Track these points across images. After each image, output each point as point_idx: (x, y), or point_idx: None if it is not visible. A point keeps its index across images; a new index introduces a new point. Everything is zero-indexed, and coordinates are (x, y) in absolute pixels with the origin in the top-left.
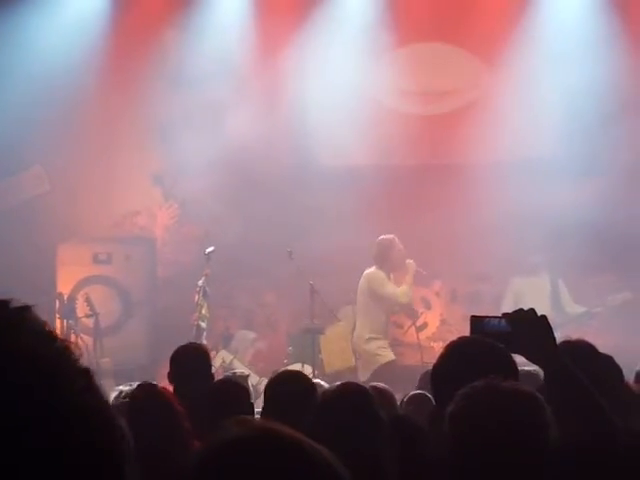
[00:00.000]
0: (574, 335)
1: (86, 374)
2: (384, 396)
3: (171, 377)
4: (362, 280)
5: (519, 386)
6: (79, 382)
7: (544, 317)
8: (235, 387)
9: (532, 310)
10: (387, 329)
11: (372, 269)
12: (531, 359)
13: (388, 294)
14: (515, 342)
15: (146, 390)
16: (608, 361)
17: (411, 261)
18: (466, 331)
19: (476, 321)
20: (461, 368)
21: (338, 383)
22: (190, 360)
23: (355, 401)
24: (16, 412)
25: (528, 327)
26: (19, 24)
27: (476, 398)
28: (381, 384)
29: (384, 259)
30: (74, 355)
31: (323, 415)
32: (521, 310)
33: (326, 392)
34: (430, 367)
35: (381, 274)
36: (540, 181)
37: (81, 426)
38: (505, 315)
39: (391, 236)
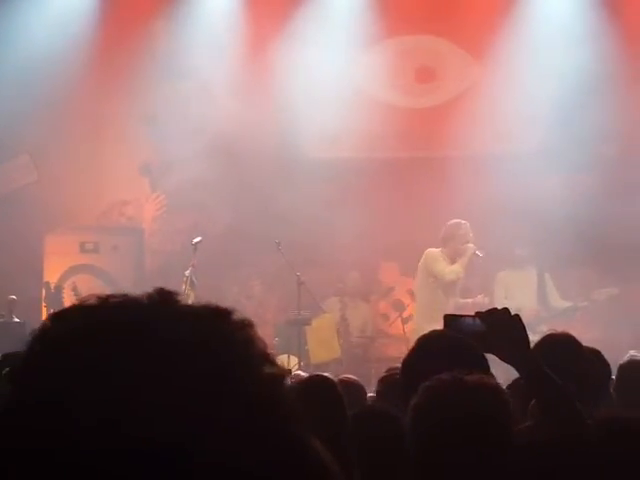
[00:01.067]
0: (559, 329)
1: (296, 406)
2: (353, 389)
3: None
4: (422, 259)
5: (484, 379)
6: (294, 416)
7: (517, 317)
8: None
9: (506, 310)
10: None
11: (432, 248)
12: (504, 359)
13: (437, 270)
14: (489, 341)
15: None
16: (595, 356)
17: (471, 245)
18: None
19: (451, 320)
20: (430, 362)
21: (305, 376)
22: None
23: (322, 395)
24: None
25: (502, 327)
26: (6, 14)
27: (440, 391)
28: (351, 376)
29: (447, 240)
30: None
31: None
32: (495, 309)
33: (292, 386)
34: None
35: (437, 252)
36: (527, 175)
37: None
38: (479, 314)
39: (460, 220)
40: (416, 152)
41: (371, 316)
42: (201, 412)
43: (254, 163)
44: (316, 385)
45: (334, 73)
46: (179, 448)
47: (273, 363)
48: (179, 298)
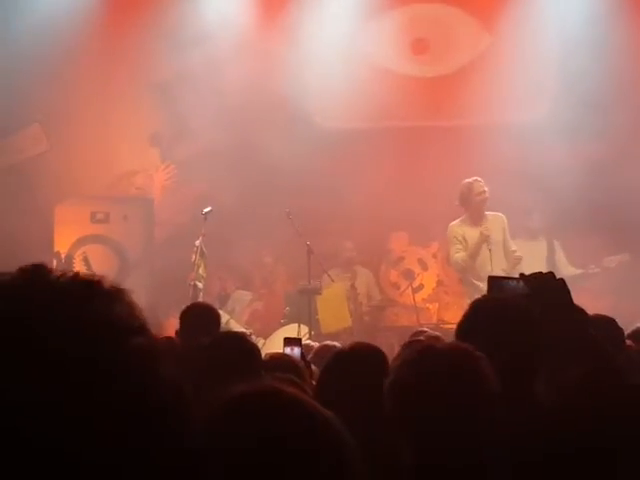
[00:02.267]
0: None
1: (168, 375)
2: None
3: (179, 333)
4: None
5: (455, 345)
6: (166, 382)
7: (562, 280)
8: (246, 343)
9: (551, 273)
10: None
11: (452, 222)
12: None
13: (449, 252)
14: (533, 304)
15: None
16: (609, 323)
17: (484, 232)
18: (462, 293)
19: (494, 281)
20: (485, 326)
21: (351, 343)
22: (200, 318)
23: (370, 361)
24: (97, 396)
25: (546, 290)
26: None
27: (413, 364)
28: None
29: (464, 203)
30: (160, 352)
31: (337, 374)
32: (540, 273)
33: (339, 352)
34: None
35: (451, 230)
36: (537, 144)
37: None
38: (523, 277)
39: (471, 179)
40: (425, 121)
41: (375, 282)
42: (68, 386)
43: (263, 133)
44: (364, 352)
45: (344, 42)
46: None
47: (143, 332)
48: (50, 272)
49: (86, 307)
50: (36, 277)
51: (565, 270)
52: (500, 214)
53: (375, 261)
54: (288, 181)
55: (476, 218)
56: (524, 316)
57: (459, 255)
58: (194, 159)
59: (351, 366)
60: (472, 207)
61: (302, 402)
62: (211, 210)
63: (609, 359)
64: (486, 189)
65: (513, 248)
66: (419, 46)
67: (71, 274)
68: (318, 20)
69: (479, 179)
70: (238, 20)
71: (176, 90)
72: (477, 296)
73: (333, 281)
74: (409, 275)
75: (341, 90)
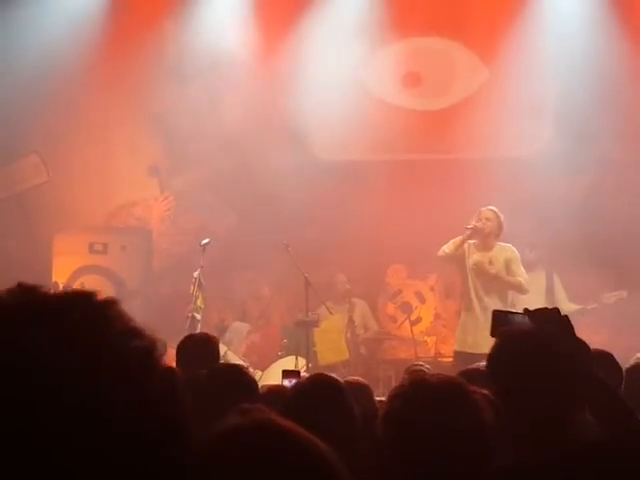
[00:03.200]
0: None
1: (171, 376)
2: (360, 390)
3: (177, 365)
4: None
5: (446, 378)
6: (164, 385)
7: (567, 317)
8: (244, 375)
9: (556, 309)
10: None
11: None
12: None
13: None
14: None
15: None
16: (606, 359)
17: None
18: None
19: (499, 315)
20: (517, 359)
21: (308, 375)
22: (198, 349)
23: (327, 395)
24: (100, 412)
25: (552, 326)
26: (17, 16)
27: (405, 396)
28: (358, 378)
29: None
30: (160, 355)
31: (294, 408)
32: (545, 309)
33: (297, 385)
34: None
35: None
36: (534, 176)
37: (161, 435)
38: (528, 312)
39: (484, 207)
40: (423, 154)
41: (372, 314)
42: (70, 392)
43: (262, 165)
44: (321, 385)
45: (343, 75)
46: (56, 428)
47: (140, 336)
48: (39, 289)
49: (85, 313)
50: (27, 295)
51: (565, 306)
52: (508, 245)
53: (372, 294)
54: (286, 212)
55: (480, 244)
56: (555, 348)
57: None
58: (192, 190)
59: (309, 400)
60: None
61: (297, 435)
62: (209, 242)
63: (614, 396)
64: (489, 218)
65: (518, 278)
66: (418, 79)
67: (60, 291)
68: (317, 54)
69: (490, 208)
70: (238, 51)
71: (175, 120)
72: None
73: (331, 313)
74: (407, 308)
75: (340, 122)
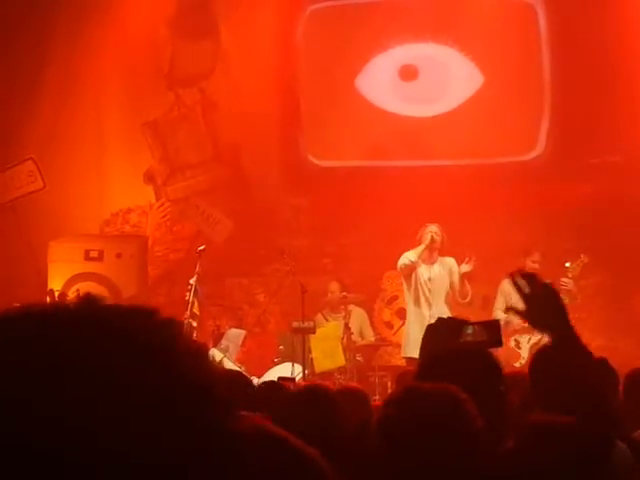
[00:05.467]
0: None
1: (233, 402)
2: (356, 398)
3: None
4: None
5: (440, 386)
6: (231, 410)
7: (553, 286)
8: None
9: (544, 281)
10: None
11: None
12: (539, 325)
13: (397, 265)
14: (528, 307)
15: None
16: (602, 365)
17: (429, 234)
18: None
19: (450, 324)
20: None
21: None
22: None
23: (317, 403)
24: (173, 438)
25: (541, 293)
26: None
27: (399, 402)
28: (353, 384)
29: (419, 242)
30: (222, 378)
31: (287, 418)
32: (534, 275)
33: (290, 394)
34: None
35: (406, 253)
36: (533, 183)
37: (226, 458)
38: (524, 275)
39: (427, 224)
40: (421, 161)
41: (368, 321)
42: (133, 409)
43: (258, 171)
44: (315, 395)
45: (338, 81)
46: (118, 451)
47: (201, 356)
48: (103, 302)
49: (149, 330)
50: (93, 306)
51: None
52: (449, 258)
53: (369, 300)
54: (281, 219)
55: (425, 257)
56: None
57: (406, 253)
58: (188, 197)
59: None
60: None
61: (286, 440)
62: (205, 248)
63: (593, 362)
64: (439, 234)
65: (465, 288)
66: (413, 86)
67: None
68: (312, 60)
69: (435, 225)
70: (232, 58)
71: (170, 128)
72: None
73: (327, 320)
74: (403, 314)
75: (336, 129)
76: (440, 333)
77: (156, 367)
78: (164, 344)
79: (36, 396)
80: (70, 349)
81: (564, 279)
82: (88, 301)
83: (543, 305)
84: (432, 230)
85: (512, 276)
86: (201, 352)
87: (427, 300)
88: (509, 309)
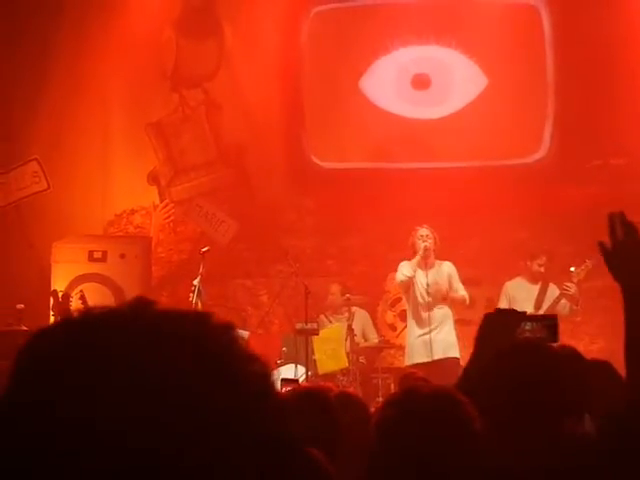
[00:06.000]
0: (564, 339)
1: (283, 401)
2: (352, 402)
3: None
4: None
5: (439, 388)
6: (279, 411)
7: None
8: None
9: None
10: (421, 317)
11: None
12: (620, 278)
13: (395, 278)
14: (616, 256)
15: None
16: (605, 369)
17: (424, 243)
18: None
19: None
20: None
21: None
22: None
23: (313, 406)
24: (222, 437)
25: (631, 251)
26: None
27: (397, 404)
28: (352, 390)
29: (414, 250)
30: (274, 380)
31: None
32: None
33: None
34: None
35: (401, 264)
36: (536, 186)
37: (274, 460)
38: (624, 219)
39: (416, 227)
40: (424, 163)
41: (371, 323)
42: (193, 414)
43: (262, 172)
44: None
45: (342, 82)
46: (174, 453)
47: (257, 360)
48: (157, 305)
49: (207, 334)
50: (148, 310)
51: (553, 293)
52: (447, 262)
53: (372, 302)
54: (286, 221)
55: (421, 263)
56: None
57: (401, 267)
58: (192, 198)
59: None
60: (416, 254)
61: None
62: (209, 249)
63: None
64: (425, 235)
65: (461, 293)
66: (417, 87)
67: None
68: (315, 62)
69: (426, 227)
70: (236, 59)
71: (174, 129)
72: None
73: (330, 322)
74: (406, 316)
75: (340, 130)
76: (498, 326)
77: (212, 373)
78: (219, 349)
79: (91, 405)
80: (124, 356)
81: (567, 283)
82: (142, 305)
83: (630, 257)
84: (422, 234)
85: (611, 215)
86: (256, 357)
87: (428, 305)
88: (600, 242)
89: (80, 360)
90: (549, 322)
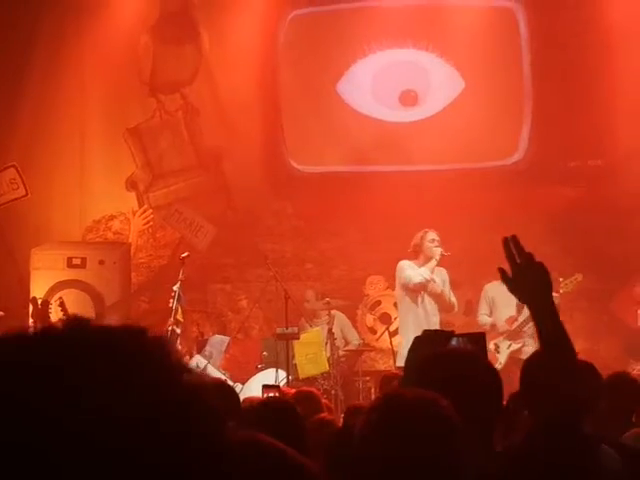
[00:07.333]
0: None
1: (217, 411)
2: (310, 400)
3: None
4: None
5: (422, 393)
6: (214, 421)
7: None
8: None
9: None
10: (427, 324)
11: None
12: (525, 300)
13: (405, 277)
14: (515, 281)
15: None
16: (587, 370)
17: (437, 249)
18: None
19: (434, 336)
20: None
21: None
22: None
23: (278, 415)
24: (167, 453)
25: (530, 268)
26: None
27: (381, 409)
28: (309, 388)
29: (417, 251)
30: (208, 390)
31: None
32: (528, 254)
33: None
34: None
35: (406, 262)
36: (514, 187)
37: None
38: (518, 249)
39: (425, 230)
40: (402, 166)
41: (351, 326)
42: (126, 423)
43: (240, 177)
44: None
45: (319, 86)
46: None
47: (189, 371)
48: (91, 323)
49: (140, 348)
50: (80, 329)
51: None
52: (443, 269)
53: (352, 305)
54: (264, 225)
55: (423, 263)
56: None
57: (421, 269)
58: (171, 203)
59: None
60: (424, 259)
61: (284, 452)
62: (189, 255)
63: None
64: (438, 239)
65: (452, 299)
66: (395, 91)
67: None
68: (293, 66)
69: (431, 231)
70: (213, 64)
71: (152, 134)
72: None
73: (310, 326)
74: (386, 319)
75: (318, 134)
76: (426, 344)
77: (146, 385)
78: (152, 364)
79: (30, 421)
80: (60, 375)
81: (553, 294)
82: (76, 323)
83: (530, 277)
84: (434, 239)
85: (506, 240)
86: (186, 368)
87: (429, 301)
88: (500, 269)
89: (8, 384)
90: (477, 338)
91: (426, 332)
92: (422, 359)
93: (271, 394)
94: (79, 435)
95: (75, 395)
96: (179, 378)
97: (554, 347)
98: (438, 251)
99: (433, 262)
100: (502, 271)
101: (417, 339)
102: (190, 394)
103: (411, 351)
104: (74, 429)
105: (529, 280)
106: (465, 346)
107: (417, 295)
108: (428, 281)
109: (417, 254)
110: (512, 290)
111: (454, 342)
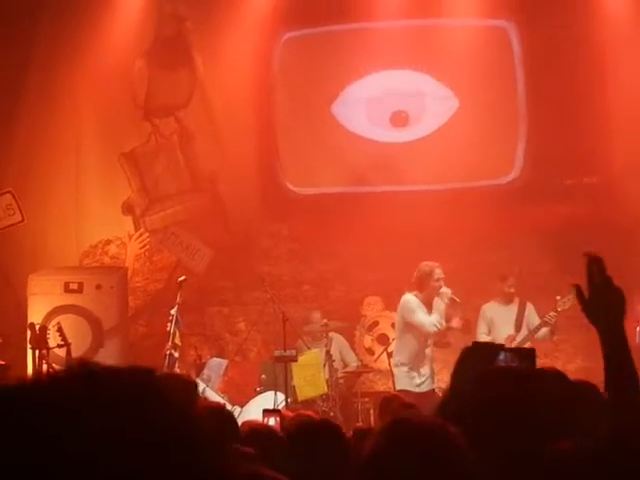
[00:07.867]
0: (541, 359)
1: (224, 449)
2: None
3: None
4: (399, 304)
5: (429, 419)
6: (221, 458)
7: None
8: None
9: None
10: (422, 356)
11: (408, 294)
12: (598, 327)
13: (417, 322)
14: (591, 307)
15: None
16: (589, 392)
17: (446, 289)
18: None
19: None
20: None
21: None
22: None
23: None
24: None
25: (609, 295)
26: None
27: (387, 435)
28: (306, 412)
29: (421, 285)
30: (211, 432)
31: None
32: (608, 278)
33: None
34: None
35: (413, 300)
36: (509, 206)
37: None
38: (599, 269)
39: (433, 263)
40: (397, 187)
41: (349, 348)
42: (137, 461)
43: (236, 200)
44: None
45: (314, 108)
46: None
47: (192, 410)
48: (98, 365)
49: (149, 389)
50: (90, 372)
51: (532, 320)
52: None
53: (350, 327)
54: (261, 247)
55: (428, 302)
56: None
57: (434, 318)
58: (167, 227)
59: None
60: (428, 294)
61: None
62: (186, 279)
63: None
64: (443, 276)
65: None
66: (389, 112)
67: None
68: (288, 88)
69: (437, 265)
70: (208, 87)
71: (148, 158)
72: None
73: (308, 348)
74: (384, 340)
75: (313, 156)
76: (474, 358)
77: (154, 429)
78: (159, 407)
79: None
80: (71, 421)
81: (550, 313)
82: (83, 369)
83: (606, 301)
84: (441, 277)
85: (590, 258)
86: (190, 406)
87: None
88: (576, 286)
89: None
90: (527, 353)
91: (475, 344)
92: (484, 374)
93: (274, 419)
94: (81, 460)
95: (87, 448)
96: (185, 418)
97: (618, 375)
98: (448, 294)
99: (442, 306)
100: (578, 289)
101: (465, 351)
102: (195, 433)
103: (459, 363)
104: (76, 453)
105: (604, 303)
106: (513, 361)
107: (421, 334)
108: (443, 326)
109: (422, 288)
110: (585, 310)
111: (502, 357)
